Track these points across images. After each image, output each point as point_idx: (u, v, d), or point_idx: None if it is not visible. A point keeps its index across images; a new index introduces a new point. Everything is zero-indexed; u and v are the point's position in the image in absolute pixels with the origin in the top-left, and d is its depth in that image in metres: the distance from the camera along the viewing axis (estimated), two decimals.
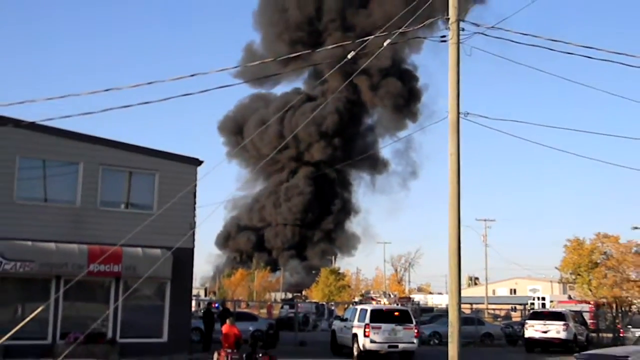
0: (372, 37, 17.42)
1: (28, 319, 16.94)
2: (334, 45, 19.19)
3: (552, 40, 16.42)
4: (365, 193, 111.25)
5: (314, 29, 74.35)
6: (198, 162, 24.36)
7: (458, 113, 16.24)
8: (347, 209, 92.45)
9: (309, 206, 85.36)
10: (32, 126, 19.60)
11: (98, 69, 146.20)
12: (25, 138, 21.18)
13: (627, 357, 10.74)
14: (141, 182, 23.91)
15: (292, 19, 70.88)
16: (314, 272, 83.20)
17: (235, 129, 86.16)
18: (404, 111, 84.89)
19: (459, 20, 16.03)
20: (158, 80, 14.69)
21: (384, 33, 16.68)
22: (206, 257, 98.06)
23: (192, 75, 14.95)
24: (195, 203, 23.84)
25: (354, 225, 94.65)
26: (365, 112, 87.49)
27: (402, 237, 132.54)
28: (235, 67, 22.21)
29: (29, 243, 21.18)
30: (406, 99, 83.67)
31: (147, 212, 22.15)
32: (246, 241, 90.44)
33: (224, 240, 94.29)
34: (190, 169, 23.99)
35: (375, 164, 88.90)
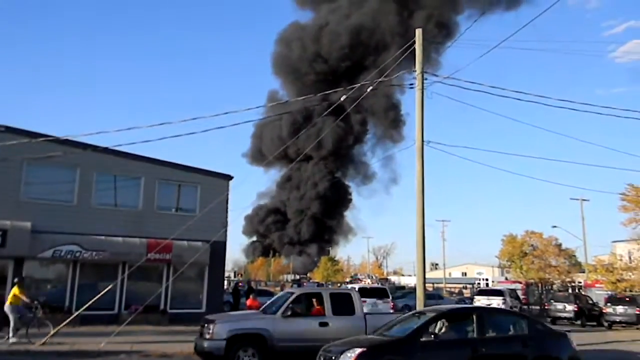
0: (358, 85, 17.34)
1: (100, 294, 16.83)
2: (330, 91, 19.15)
3: (492, 86, 16.36)
4: (355, 194, 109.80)
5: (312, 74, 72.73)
6: (229, 177, 24.43)
7: (422, 141, 16.13)
8: (346, 206, 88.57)
9: (322, 199, 76.77)
10: (106, 150, 19.57)
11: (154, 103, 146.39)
12: (101, 159, 21.09)
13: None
14: (187, 192, 23.79)
15: (297, 64, 69.30)
16: (315, 259, 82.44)
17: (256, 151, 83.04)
18: (392, 133, 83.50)
19: (423, 72, 16.01)
20: (200, 117, 14.85)
21: (367, 82, 16.74)
22: (240, 246, 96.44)
23: (226, 113, 15.05)
24: (227, 207, 23.79)
25: (348, 219, 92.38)
26: (362, 133, 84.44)
27: (384, 231, 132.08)
28: (259, 106, 22.40)
29: (102, 237, 21.05)
30: (392, 124, 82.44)
31: (191, 215, 22.17)
32: (268, 229, 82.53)
33: (250, 225, 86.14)
34: (223, 182, 24.05)
35: (366, 174, 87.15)
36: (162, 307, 21.99)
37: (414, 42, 16.45)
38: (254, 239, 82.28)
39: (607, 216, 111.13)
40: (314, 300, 13.13)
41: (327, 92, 18.91)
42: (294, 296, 12.90)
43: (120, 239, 21.38)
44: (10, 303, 15.33)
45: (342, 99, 15.66)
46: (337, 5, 35.30)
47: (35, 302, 15.90)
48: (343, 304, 13.00)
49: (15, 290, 15.44)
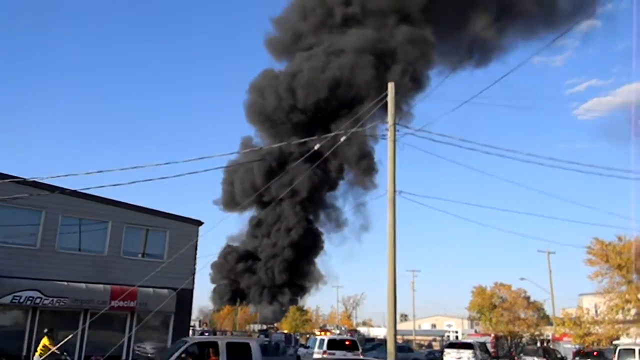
0: (332, 134, 17.63)
1: (60, 343, 16.15)
2: (303, 140, 19.38)
3: (461, 139, 16.82)
4: (326, 240, 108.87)
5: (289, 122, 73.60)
6: (199, 223, 24.12)
7: (394, 191, 16.35)
8: (318, 253, 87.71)
9: (295, 245, 76.81)
10: (73, 193, 19.21)
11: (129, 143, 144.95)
12: (67, 201, 20.65)
13: None
14: (155, 237, 23.36)
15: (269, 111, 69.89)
16: (283, 308, 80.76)
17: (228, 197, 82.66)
18: (365, 180, 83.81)
19: (395, 123, 16.43)
20: (172, 162, 14.72)
21: (341, 131, 17.07)
22: (207, 293, 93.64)
23: (201, 159, 14.98)
24: (196, 254, 23.40)
25: (318, 266, 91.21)
26: (335, 179, 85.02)
27: (354, 280, 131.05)
28: (232, 152, 22.57)
29: (65, 283, 20.38)
30: (365, 172, 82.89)
31: (158, 261, 21.67)
32: (238, 275, 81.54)
33: (219, 271, 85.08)
34: (193, 228, 23.73)
35: (338, 220, 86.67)
36: (124, 357, 21.19)
37: (387, 94, 16.91)
38: (223, 282, 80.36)
39: (574, 268, 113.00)
40: (209, 350, 12.39)
41: (301, 140, 19.12)
42: (186, 345, 12.22)
43: (83, 285, 20.72)
44: (40, 355, 14.69)
45: (315, 147, 15.92)
46: (313, 52, 35.81)
47: (65, 353, 15.25)
48: (241, 354, 12.14)
49: (45, 341, 14.85)
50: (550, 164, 18.47)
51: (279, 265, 72.15)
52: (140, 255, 23.08)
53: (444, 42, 32.31)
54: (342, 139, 16.74)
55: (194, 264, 23.23)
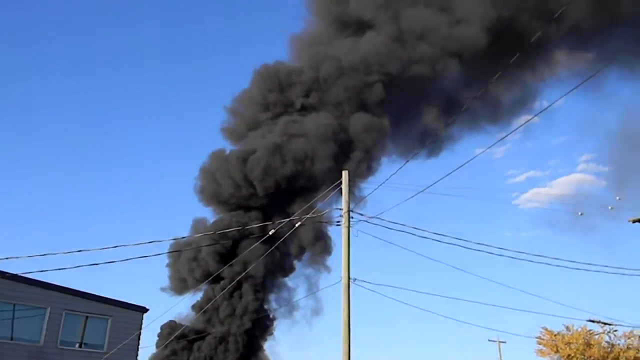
0: (287, 220, 17.50)
1: None
2: (258, 225, 19.13)
3: (414, 227, 16.94)
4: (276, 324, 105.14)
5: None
6: (144, 310, 22.90)
7: (349, 279, 16.11)
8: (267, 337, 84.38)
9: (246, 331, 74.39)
10: (7, 276, 18.02)
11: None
12: (1, 285, 19.34)
13: None
14: (95, 325, 21.95)
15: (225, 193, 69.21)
16: None
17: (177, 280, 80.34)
18: (319, 264, 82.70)
19: (349, 210, 16.48)
20: (121, 245, 14.17)
21: (296, 217, 17.00)
22: None
23: (150, 242, 14.51)
24: (139, 345, 22.03)
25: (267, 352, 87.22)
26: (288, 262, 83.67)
27: None
28: (184, 237, 22.18)
29: None
30: (320, 256, 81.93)
31: (98, 352, 20.32)
32: None
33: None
34: (137, 315, 22.47)
35: (290, 304, 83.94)
36: None
37: (341, 181, 17.06)
38: None
39: (525, 358, 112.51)
40: None
41: (255, 225, 18.86)
42: None
43: None
44: None
45: (270, 232, 15.73)
46: (268, 129, 35.34)
47: None
48: None
49: None
50: (499, 252, 18.71)
51: (229, 350, 68.87)
52: (78, 345, 21.56)
53: (398, 130, 33.51)
54: (297, 225, 16.61)
55: (136, 354, 21.85)
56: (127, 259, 14.48)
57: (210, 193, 26.65)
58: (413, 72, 29.59)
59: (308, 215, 16.76)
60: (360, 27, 31.04)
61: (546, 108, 15.49)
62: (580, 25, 27.45)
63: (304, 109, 31.20)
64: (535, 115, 17.72)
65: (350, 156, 31.63)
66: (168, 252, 21.54)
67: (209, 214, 29.38)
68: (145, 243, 13.34)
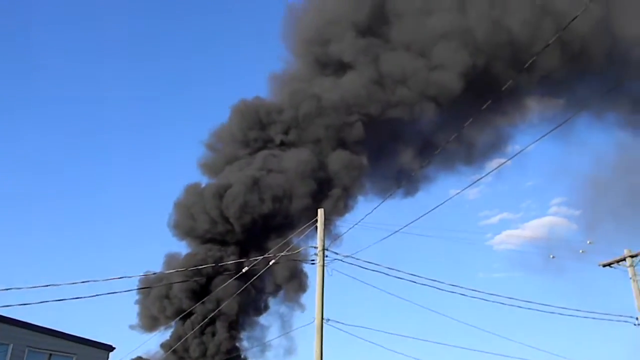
0: (261, 257, 17.29)
1: None
2: (232, 262, 18.87)
3: (389, 267, 16.92)
4: None
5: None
6: (110, 348, 22.13)
7: (322, 319, 15.87)
8: None
9: None
10: None
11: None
12: None
13: None
14: None
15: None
16: None
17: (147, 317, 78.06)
18: (293, 302, 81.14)
19: (324, 249, 16.37)
20: (91, 280, 13.81)
21: (271, 254, 16.81)
22: None
23: (120, 278, 14.16)
24: None
25: None
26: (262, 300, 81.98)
27: None
28: (155, 273, 21.71)
29: None
30: (294, 294, 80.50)
31: None
32: None
33: None
34: (103, 354, 21.69)
35: (262, 342, 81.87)
36: None
37: (317, 219, 16.99)
38: None
39: None
40: None
41: (229, 262, 18.58)
42: None
43: None
44: None
45: (243, 270, 15.51)
46: (246, 162, 34.73)
47: None
48: None
49: None
50: (472, 294, 18.75)
51: None
52: None
53: (376, 169, 33.77)
54: (271, 262, 16.41)
55: None
56: (95, 295, 14.08)
57: (186, 228, 26.25)
58: (392, 114, 30.07)
59: (282, 254, 16.59)
60: (340, 67, 31.57)
61: (518, 153, 15.82)
62: (550, 74, 28.43)
63: (284, 145, 31.30)
64: (508, 160, 18.03)
65: (329, 194, 31.65)
66: (138, 289, 20.98)
67: (184, 248, 28.86)
68: (114, 278, 12.98)
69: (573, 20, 14.70)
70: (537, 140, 13.49)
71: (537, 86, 30.13)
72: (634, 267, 26.16)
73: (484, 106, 16.78)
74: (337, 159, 31.82)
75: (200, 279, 23.64)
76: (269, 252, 18.51)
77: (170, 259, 25.68)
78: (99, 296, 13.68)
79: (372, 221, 18.46)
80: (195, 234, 26.09)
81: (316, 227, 17.12)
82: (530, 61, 15.60)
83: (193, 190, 27.18)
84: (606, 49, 28.24)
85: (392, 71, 29.00)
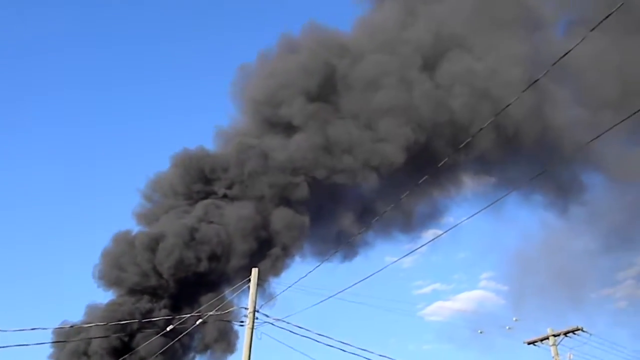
0: (187, 316, 16.82)
1: None
2: (157, 319, 18.22)
3: (319, 334, 16.80)
4: None
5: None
6: None
7: None
8: None
9: None
10: None
11: None
12: None
13: None
14: None
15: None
16: None
17: None
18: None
19: (255, 310, 16.11)
20: (40, 327, 13.07)
21: (198, 313, 16.36)
22: None
23: (33, 329, 13.42)
24: None
25: None
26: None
27: None
28: (76, 324, 20.57)
29: None
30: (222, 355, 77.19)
31: None
32: None
33: None
34: None
35: None
36: None
37: (249, 280, 16.82)
38: None
39: None
40: None
41: (154, 319, 17.91)
42: None
43: None
44: None
45: (168, 329, 14.97)
46: (184, 210, 33.33)
47: None
48: None
49: None
50: None
51: None
52: None
53: (315, 230, 33.87)
54: (198, 322, 15.97)
55: None
56: (4, 347, 13.13)
57: (113, 279, 25.06)
58: (336, 179, 30.63)
59: (211, 313, 16.19)
60: (289, 127, 32.10)
61: (452, 227, 16.45)
62: (485, 154, 30.00)
63: (226, 197, 30.96)
64: (443, 233, 18.57)
65: (267, 253, 31.32)
66: (52, 342, 19.62)
67: (109, 297, 27.27)
68: (26, 330, 12.28)
69: (506, 107, 15.76)
70: (470, 217, 14.13)
71: (473, 164, 31.69)
72: (556, 346, 26.95)
73: (421, 180, 17.48)
74: (279, 217, 31.79)
75: (124, 334, 22.37)
76: (198, 309, 18.03)
77: (91, 310, 24.15)
78: (7, 348, 12.84)
79: (309, 284, 18.42)
80: (124, 284, 24.90)
81: (249, 286, 16.88)
82: (466, 142, 16.54)
83: (122, 239, 26.06)
84: (537, 135, 30.13)
85: (339, 139, 29.86)
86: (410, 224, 33.42)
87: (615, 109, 27.46)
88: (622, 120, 12.79)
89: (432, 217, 34.62)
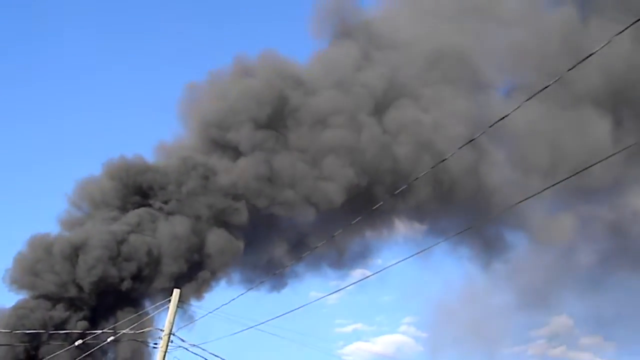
0: (101, 331, 15.99)
1: None
2: (68, 332, 17.22)
3: None
4: None
5: None
6: None
7: None
8: None
9: None
10: None
11: None
12: None
13: None
14: None
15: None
16: None
17: None
18: None
19: (170, 333, 15.49)
20: None
21: (111, 330, 15.58)
22: None
23: None
24: None
25: None
26: None
27: None
28: None
29: None
30: None
31: None
32: None
33: None
34: None
35: None
36: None
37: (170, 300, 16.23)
38: None
39: None
40: None
41: (62, 331, 16.91)
42: None
43: None
44: None
45: (77, 343, 14.12)
46: (114, 216, 31.55)
47: None
48: None
49: None
50: None
51: None
52: None
53: (248, 256, 33.29)
54: (109, 339, 15.19)
55: None
56: None
57: (27, 285, 23.30)
58: (275, 210, 30.44)
59: (125, 331, 15.44)
60: (235, 152, 31.76)
61: (380, 270, 16.63)
62: (421, 204, 30.72)
63: (162, 210, 29.90)
64: (372, 275, 18.79)
65: (196, 275, 30.39)
66: None
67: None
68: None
69: (441, 162, 16.23)
70: (398, 262, 14.32)
71: (408, 211, 32.34)
72: None
73: (355, 220, 17.63)
74: (214, 240, 31.06)
75: (29, 344, 20.72)
76: (113, 325, 17.16)
77: None
78: None
79: (233, 311, 17.97)
80: (37, 289, 23.07)
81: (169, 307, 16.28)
82: (401, 189, 16.93)
83: (39, 244, 24.12)
84: (471, 192, 31.17)
85: (283, 172, 29.91)
86: (340, 261, 33.58)
87: (544, 175, 28.88)
88: (547, 188, 13.41)
89: (362, 256, 35.00)
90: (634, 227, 37.01)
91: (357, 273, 36.68)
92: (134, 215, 27.91)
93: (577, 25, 34.08)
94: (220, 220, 30.69)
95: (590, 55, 9.47)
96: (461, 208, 32.12)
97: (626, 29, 8.90)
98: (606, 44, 9.28)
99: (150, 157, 31.96)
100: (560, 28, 33.68)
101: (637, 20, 8.94)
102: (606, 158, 14.62)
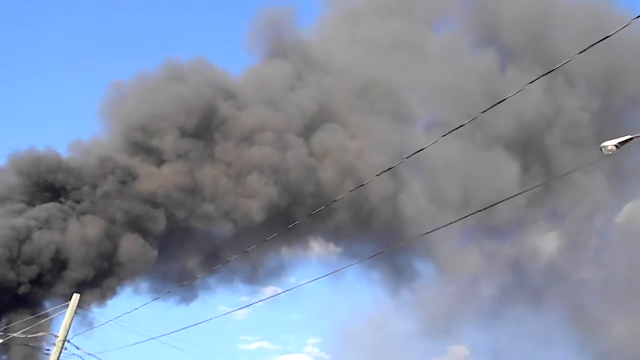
0: None
1: None
2: None
3: None
4: None
5: None
6: None
7: None
8: None
9: None
10: None
11: None
12: None
13: None
14: None
15: None
16: None
17: None
18: None
19: (65, 340, 14.49)
20: None
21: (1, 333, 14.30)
22: None
23: None
24: None
25: None
26: None
27: None
28: None
29: None
30: None
31: None
32: None
33: None
34: None
35: None
36: None
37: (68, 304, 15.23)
38: None
39: None
40: None
41: None
42: None
43: None
44: None
45: None
46: (16, 210, 29.05)
47: None
48: None
49: None
50: None
51: None
52: None
53: (159, 265, 32.05)
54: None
55: None
56: None
57: None
58: (193, 223, 29.67)
59: (15, 334, 14.25)
60: (158, 157, 30.71)
61: (291, 288, 16.71)
62: (338, 228, 31.18)
63: (74, 209, 28.06)
64: (282, 292, 18.68)
65: (102, 282, 28.77)
66: None
67: None
68: None
69: (358, 187, 16.52)
70: (310, 281, 14.36)
71: (325, 232, 32.67)
72: None
73: (270, 237, 17.53)
74: (128, 246, 29.64)
75: None
76: (5, 328, 15.80)
77: None
78: None
79: (137, 321, 17.17)
80: None
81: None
82: (317, 211, 17.04)
83: None
84: (387, 219, 31.96)
85: (205, 185, 29.32)
86: (254, 277, 33.23)
87: (455, 210, 30.14)
88: (455, 221, 14.01)
89: (276, 273, 34.86)
90: (530, 265, 39.47)
91: (269, 290, 36.44)
92: (42, 210, 25.95)
93: (496, 71, 36.29)
94: (136, 226, 29.45)
95: (503, 100, 10.05)
96: (376, 234, 32.87)
97: (537, 79, 9.53)
98: (518, 91, 9.88)
99: (64, 153, 30.17)
100: (481, 72, 35.72)
101: (547, 73, 9.60)
102: (511, 197, 15.54)
